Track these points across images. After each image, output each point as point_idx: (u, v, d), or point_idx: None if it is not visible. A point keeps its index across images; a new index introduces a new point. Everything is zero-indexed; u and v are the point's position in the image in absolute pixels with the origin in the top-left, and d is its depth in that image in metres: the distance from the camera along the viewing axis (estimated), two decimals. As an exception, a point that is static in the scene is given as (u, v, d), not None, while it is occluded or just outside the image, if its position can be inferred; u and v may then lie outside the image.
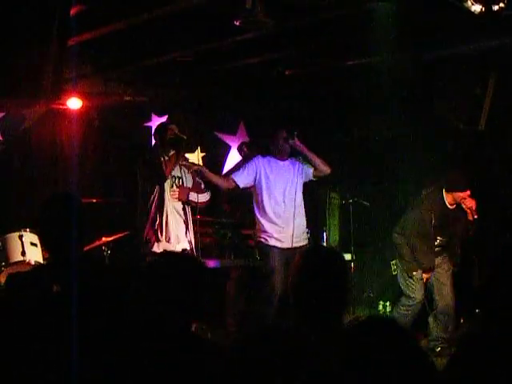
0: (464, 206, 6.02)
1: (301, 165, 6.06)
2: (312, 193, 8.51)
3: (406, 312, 6.13)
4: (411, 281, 6.14)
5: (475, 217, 5.98)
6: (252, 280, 6.68)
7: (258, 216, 6.00)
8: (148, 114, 8.02)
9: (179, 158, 5.70)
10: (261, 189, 5.95)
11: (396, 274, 6.45)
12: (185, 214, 5.81)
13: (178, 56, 6.66)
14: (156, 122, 7.89)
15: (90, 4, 5.16)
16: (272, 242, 5.89)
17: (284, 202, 5.91)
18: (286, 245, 5.87)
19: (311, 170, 6.05)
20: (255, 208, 6.07)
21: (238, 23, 4.79)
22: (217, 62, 7.16)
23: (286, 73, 7.45)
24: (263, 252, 6.01)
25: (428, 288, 6.18)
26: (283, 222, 5.88)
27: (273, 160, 6.01)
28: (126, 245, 6.44)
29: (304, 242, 6.03)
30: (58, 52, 5.46)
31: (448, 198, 6.08)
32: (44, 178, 7.35)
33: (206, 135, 8.36)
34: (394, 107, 7.01)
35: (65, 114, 7.32)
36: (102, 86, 7.52)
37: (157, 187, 5.70)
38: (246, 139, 8.50)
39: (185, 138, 5.69)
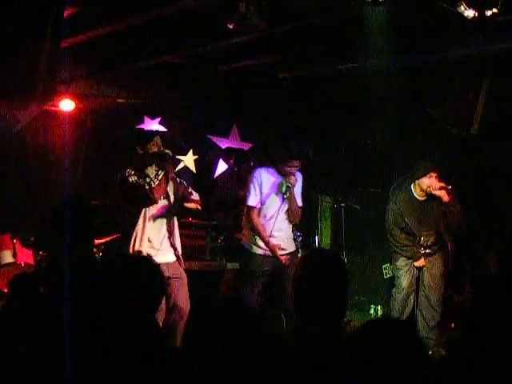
0: (434, 192, 5.96)
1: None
2: (304, 196, 8.55)
3: (396, 296, 6.18)
4: (396, 266, 6.22)
5: (449, 198, 5.93)
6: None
7: (250, 230, 5.85)
8: (141, 116, 8.02)
9: (169, 178, 5.36)
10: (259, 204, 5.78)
11: (387, 278, 6.47)
12: (167, 220, 5.43)
13: (171, 59, 6.66)
14: (148, 124, 7.89)
15: (83, 6, 5.15)
16: (254, 249, 5.77)
17: (277, 216, 5.76)
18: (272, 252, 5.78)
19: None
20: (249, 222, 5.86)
21: (231, 26, 4.79)
22: (210, 65, 7.17)
23: (280, 76, 7.46)
24: (247, 256, 5.86)
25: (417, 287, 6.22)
26: (273, 233, 5.75)
27: (273, 175, 5.79)
28: (116, 247, 6.43)
29: (292, 249, 5.93)
30: (51, 54, 5.43)
31: (416, 190, 6.07)
32: (36, 180, 7.34)
33: (198, 138, 8.35)
34: (388, 111, 7.03)
35: (57, 115, 7.31)
36: (95, 88, 7.51)
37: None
38: (239, 142, 8.51)
39: (168, 152, 5.35)
